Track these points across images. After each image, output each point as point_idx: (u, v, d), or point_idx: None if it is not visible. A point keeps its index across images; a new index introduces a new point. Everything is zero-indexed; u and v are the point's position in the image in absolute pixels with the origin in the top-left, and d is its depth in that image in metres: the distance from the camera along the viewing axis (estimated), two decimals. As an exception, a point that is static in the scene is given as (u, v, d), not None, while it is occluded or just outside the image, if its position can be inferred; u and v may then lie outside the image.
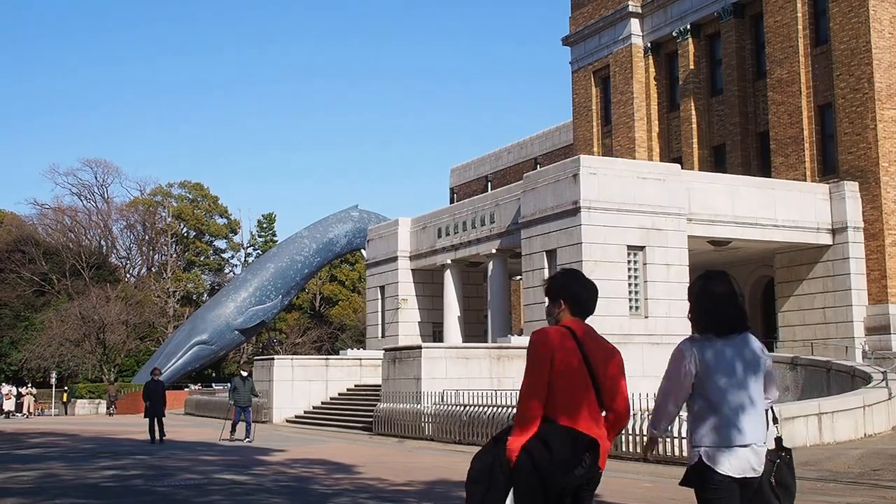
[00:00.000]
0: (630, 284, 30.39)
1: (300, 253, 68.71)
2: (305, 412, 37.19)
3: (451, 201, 68.60)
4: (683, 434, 16.95)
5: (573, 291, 5.66)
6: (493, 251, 35.54)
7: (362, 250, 72.88)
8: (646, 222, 30.67)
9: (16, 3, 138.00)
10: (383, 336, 41.97)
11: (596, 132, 47.23)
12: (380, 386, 36.69)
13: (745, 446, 5.33)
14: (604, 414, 5.51)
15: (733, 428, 5.35)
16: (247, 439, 25.59)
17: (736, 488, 5.35)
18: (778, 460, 5.64)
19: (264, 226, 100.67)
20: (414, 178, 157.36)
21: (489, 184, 66.31)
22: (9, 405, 48.25)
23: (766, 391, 5.57)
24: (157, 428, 25.10)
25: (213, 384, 77.01)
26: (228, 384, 74.57)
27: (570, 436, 5.22)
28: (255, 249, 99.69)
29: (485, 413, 24.31)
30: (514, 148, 66.00)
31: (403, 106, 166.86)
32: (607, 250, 29.99)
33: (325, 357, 42.09)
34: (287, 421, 36.78)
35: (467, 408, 25.34)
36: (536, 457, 5.18)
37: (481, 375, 28.80)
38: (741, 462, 5.33)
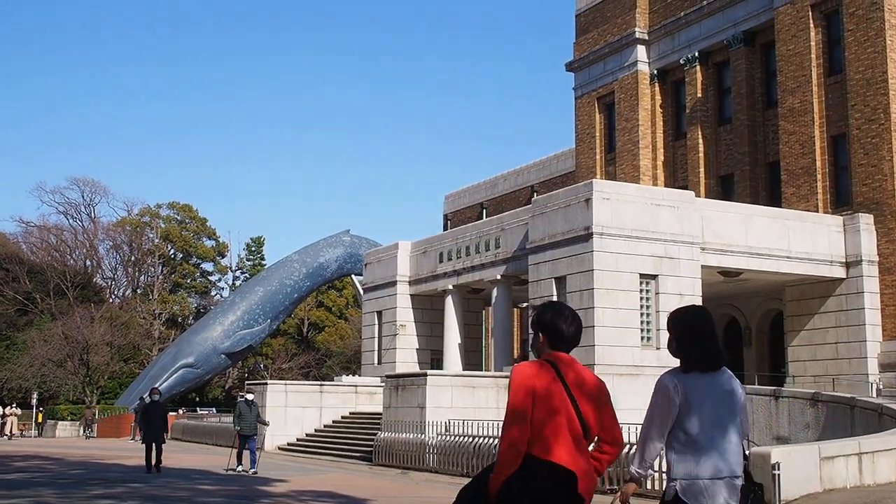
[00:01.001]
0: (642, 314, 29.36)
1: (290, 277, 67.58)
2: (298, 440, 35.94)
3: (445, 228, 67.56)
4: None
5: (552, 324, 5.55)
6: (498, 277, 34.44)
7: (353, 276, 71.83)
8: (659, 250, 29.69)
9: (2, 18, 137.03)
10: (380, 363, 40.75)
11: (599, 160, 46.36)
12: (377, 414, 35.56)
13: (722, 479, 5.42)
14: (593, 446, 5.51)
15: (712, 461, 5.43)
16: (252, 470, 23.30)
17: None
18: (752, 494, 5.68)
19: (253, 249, 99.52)
20: (406, 205, 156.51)
21: (484, 211, 65.37)
22: None
23: (741, 426, 5.64)
24: (153, 455, 22.61)
25: (198, 408, 75.58)
26: (212, 409, 73.03)
27: (552, 472, 5.16)
28: (242, 273, 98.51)
29: (493, 445, 23.14)
30: (511, 175, 65.05)
31: (396, 131, 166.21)
32: (620, 278, 28.97)
33: (319, 383, 40.82)
34: (280, 448, 35.49)
35: (475, 439, 24.19)
36: (517, 494, 5.12)
37: (488, 405, 27.69)
38: (717, 496, 5.39)
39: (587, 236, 29.06)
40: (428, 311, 39.71)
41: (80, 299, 76.96)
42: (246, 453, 23.99)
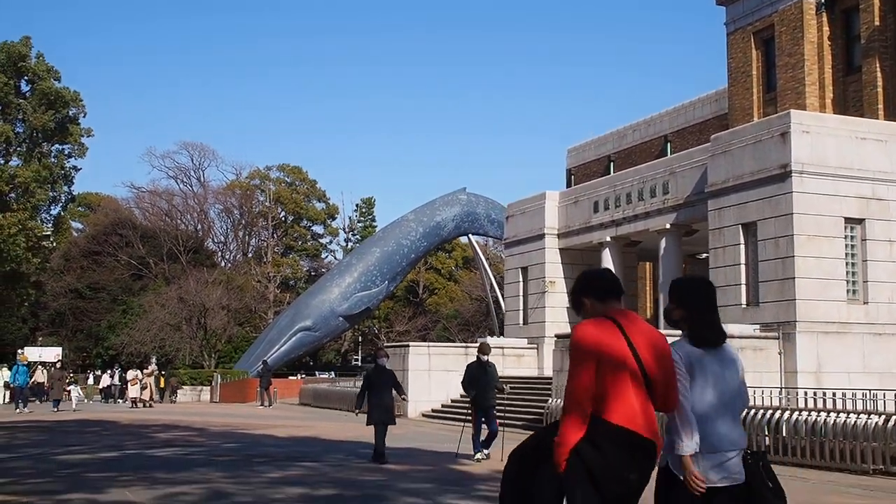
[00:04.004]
0: (847, 264, 25.60)
1: (406, 237, 65.11)
2: (444, 406, 33.15)
3: (569, 184, 64.01)
4: None
5: (588, 281, 5.40)
6: (667, 226, 30.90)
7: (470, 235, 69.08)
8: (865, 191, 25.85)
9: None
10: (525, 322, 37.62)
11: (756, 100, 42.12)
12: (529, 378, 32.94)
13: (716, 453, 5.25)
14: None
15: (709, 436, 5.25)
16: (485, 451, 17.58)
17: (708, 495, 5.22)
18: (762, 462, 5.46)
19: (363, 210, 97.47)
20: (524, 162, 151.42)
21: (612, 164, 61.53)
22: (134, 391, 44.28)
23: (741, 399, 5.52)
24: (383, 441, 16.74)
25: (317, 372, 73.92)
26: (331, 373, 70.88)
27: (624, 437, 4.89)
28: (353, 235, 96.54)
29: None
30: (641, 125, 60.88)
31: (511, 84, 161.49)
32: (821, 223, 25.23)
33: (464, 345, 37.97)
34: (423, 415, 32.76)
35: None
36: (589, 460, 4.85)
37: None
38: (709, 471, 5.22)
39: (784, 175, 25.35)
40: (579, 266, 36.26)
41: (192, 263, 75.95)
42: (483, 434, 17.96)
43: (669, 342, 5.32)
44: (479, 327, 77.97)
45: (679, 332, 5.56)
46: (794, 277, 24.73)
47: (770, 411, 18.41)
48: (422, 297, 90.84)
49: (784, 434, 17.84)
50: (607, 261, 33.83)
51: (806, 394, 20.15)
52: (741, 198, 26.66)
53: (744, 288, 26.57)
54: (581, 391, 4.93)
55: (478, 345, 19.81)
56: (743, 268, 26.61)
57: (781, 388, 22.47)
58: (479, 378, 17.82)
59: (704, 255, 31.40)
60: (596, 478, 4.83)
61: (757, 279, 26.03)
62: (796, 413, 17.93)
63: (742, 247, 26.65)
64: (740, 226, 26.69)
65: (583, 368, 4.96)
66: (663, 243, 31.12)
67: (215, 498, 11.26)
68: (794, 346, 24.38)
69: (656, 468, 5.28)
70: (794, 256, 24.82)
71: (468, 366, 18.46)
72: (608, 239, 33.94)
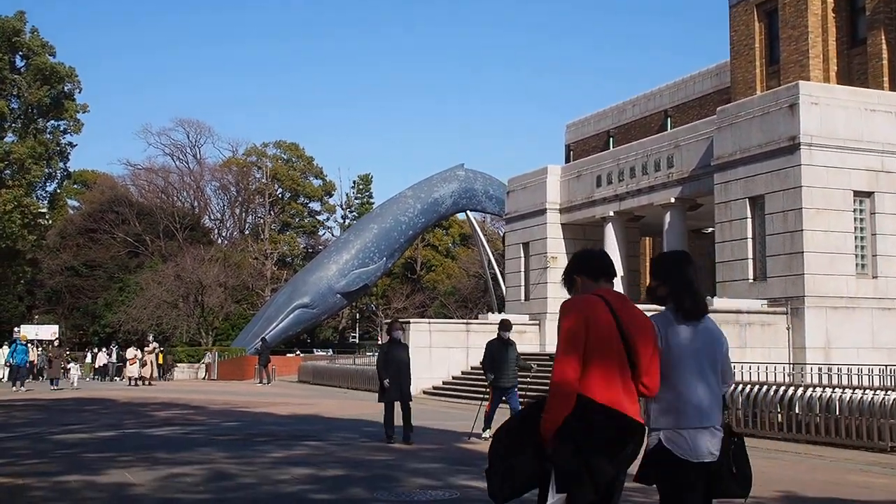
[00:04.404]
0: (856, 237, 25.22)
1: (404, 213, 64.69)
2: (445, 383, 32.83)
3: (567, 159, 63.54)
4: None
5: (581, 260, 5.35)
6: (672, 200, 30.46)
7: (468, 212, 68.63)
8: (874, 163, 25.43)
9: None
10: (527, 299, 37.23)
11: (759, 73, 41.61)
12: (531, 354, 32.37)
13: (706, 428, 5.14)
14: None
15: (695, 411, 5.14)
16: None
17: (693, 473, 5.11)
18: (733, 446, 5.30)
19: (360, 187, 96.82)
20: (522, 138, 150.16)
21: (611, 139, 61.05)
22: (133, 370, 43.74)
23: (723, 376, 5.40)
24: (397, 416, 15.86)
25: (315, 350, 73.56)
26: (329, 350, 70.41)
27: (613, 417, 4.80)
28: (350, 211, 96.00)
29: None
30: (641, 100, 60.31)
31: (509, 61, 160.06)
32: (830, 196, 24.81)
33: (465, 321, 37.63)
34: (425, 392, 32.38)
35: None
36: (578, 439, 4.73)
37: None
38: (700, 446, 5.11)
39: (792, 148, 24.91)
40: (581, 241, 35.86)
41: (189, 240, 75.50)
42: (499, 412, 17.01)
43: (650, 315, 5.22)
44: (477, 304, 77.66)
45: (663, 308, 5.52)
46: (802, 252, 24.35)
47: (783, 388, 18.04)
48: (419, 274, 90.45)
49: (797, 411, 17.47)
50: (610, 236, 33.42)
51: (821, 370, 19.78)
52: (748, 171, 26.22)
53: (751, 262, 26.19)
54: (570, 365, 4.82)
55: (499, 322, 18.29)
56: (750, 242, 26.22)
57: (791, 365, 22.16)
58: (501, 357, 16.98)
59: (710, 229, 31.00)
60: (584, 455, 4.74)
61: (764, 253, 25.67)
62: (810, 389, 17.55)
63: (749, 221, 26.24)
64: (747, 199, 26.27)
65: (570, 343, 4.86)
66: (667, 218, 30.71)
67: (218, 479, 10.88)
68: (803, 321, 24.03)
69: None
70: (802, 230, 24.43)
71: (488, 343, 17.42)
72: (611, 213, 33.51)
